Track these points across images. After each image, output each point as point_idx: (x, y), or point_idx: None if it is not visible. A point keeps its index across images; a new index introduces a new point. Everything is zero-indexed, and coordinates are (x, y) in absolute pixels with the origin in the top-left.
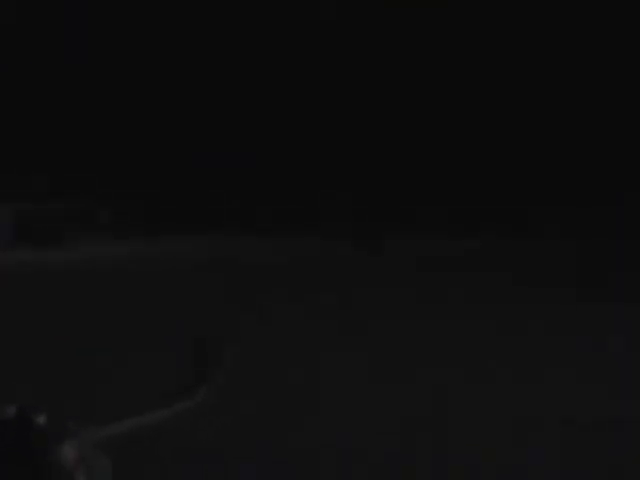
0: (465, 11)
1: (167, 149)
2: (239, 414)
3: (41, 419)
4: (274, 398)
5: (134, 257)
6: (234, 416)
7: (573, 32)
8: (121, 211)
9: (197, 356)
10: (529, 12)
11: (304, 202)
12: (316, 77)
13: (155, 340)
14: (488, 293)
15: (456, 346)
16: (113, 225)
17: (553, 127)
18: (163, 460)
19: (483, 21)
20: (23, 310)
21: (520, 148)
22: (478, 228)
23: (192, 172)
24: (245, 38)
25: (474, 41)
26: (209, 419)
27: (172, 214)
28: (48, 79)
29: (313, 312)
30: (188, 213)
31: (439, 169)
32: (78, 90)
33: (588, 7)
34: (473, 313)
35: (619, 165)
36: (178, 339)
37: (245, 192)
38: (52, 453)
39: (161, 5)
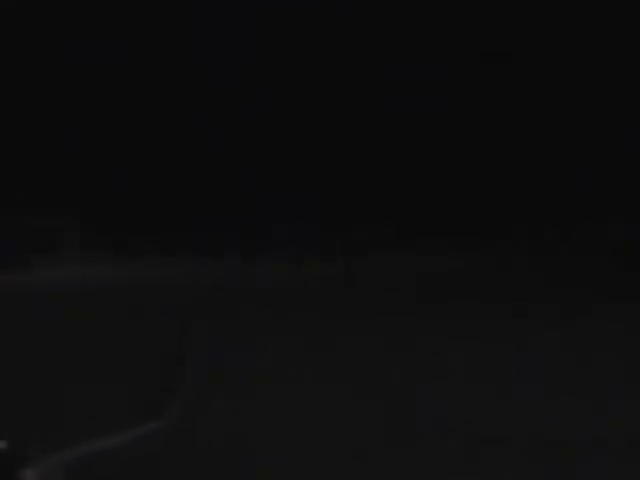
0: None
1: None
2: (209, 433)
3: (2, 444)
4: (245, 416)
5: (105, 280)
6: (203, 435)
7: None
8: (90, 229)
9: (168, 374)
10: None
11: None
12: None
13: (121, 362)
14: (473, 311)
15: (447, 364)
16: (82, 245)
17: (540, 144)
18: None
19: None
20: None
21: (510, 165)
22: (464, 245)
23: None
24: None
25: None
26: (178, 439)
27: (145, 234)
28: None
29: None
30: (162, 233)
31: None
32: (39, 95)
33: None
34: (459, 330)
35: (604, 187)
36: (144, 360)
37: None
38: (13, 478)
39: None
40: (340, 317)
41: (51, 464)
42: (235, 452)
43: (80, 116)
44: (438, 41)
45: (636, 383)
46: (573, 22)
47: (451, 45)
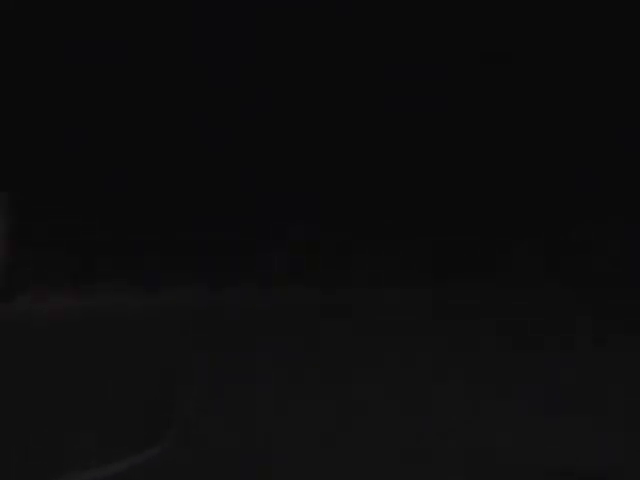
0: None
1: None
2: (204, 461)
3: None
4: (239, 443)
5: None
6: (200, 462)
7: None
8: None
9: (164, 402)
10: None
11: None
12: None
13: (118, 389)
14: (470, 342)
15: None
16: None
17: (534, 170)
18: None
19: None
20: None
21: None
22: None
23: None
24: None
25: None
26: (176, 465)
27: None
28: None
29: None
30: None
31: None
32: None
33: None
34: (455, 360)
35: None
36: (141, 389)
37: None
38: None
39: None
40: (340, 335)
41: None
42: (233, 476)
43: (79, 116)
44: (438, 41)
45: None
46: (573, 22)
47: (451, 45)
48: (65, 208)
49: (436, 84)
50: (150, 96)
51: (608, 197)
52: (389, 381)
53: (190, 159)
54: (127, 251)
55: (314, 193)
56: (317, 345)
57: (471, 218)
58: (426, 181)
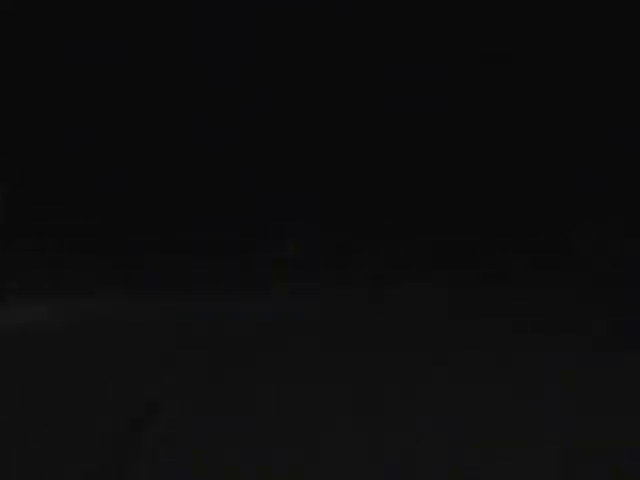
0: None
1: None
2: (204, 461)
3: None
4: (239, 443)
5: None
6: (200, 463)
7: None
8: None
9: (133, 422)
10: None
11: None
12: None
13: (89, 407)
14: (470, 342)
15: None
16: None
17: (531, 171)
18: None
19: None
20: None
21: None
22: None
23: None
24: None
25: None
26: (176, 465)
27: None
28: None
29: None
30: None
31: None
32: None
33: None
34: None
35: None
36: (113, 405)
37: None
38: None
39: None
40: (340, 336)
41: None
42: (233, 476)
43: (79, 116)
44: (438, 41)
45: None
46: (573, 22)
47: (451, 45)
48: (65, 208)
49: (436, 84)
50: (150, 96)
51: (608, 197)
52: (389, 381)
53: (190, 159)
54: (127, 251)
55: (314, 193)
56: (318, 345)
57: (471, 218)
58: (426, 181)
